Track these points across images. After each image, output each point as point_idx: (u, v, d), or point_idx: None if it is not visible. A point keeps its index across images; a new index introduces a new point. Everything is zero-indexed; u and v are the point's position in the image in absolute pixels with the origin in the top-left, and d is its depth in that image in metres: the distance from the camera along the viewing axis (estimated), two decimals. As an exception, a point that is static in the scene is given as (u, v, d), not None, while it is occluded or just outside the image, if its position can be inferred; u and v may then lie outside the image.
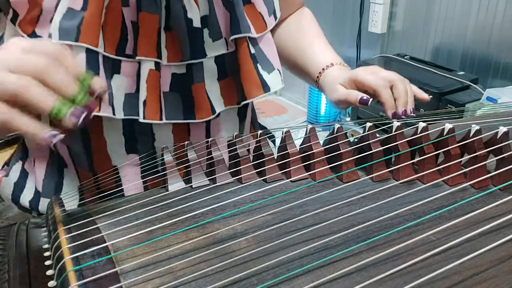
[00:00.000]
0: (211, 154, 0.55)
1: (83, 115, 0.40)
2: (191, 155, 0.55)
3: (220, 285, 0.37)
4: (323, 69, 0.75)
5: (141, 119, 0.61)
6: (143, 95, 0.60)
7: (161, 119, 0.62)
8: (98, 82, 0.43)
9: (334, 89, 0.72)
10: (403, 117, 0.66)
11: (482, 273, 0.39)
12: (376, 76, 0.68)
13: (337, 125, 0.56)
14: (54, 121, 0.40)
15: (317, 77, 0.76)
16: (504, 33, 1.66)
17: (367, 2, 2.09)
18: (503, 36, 1.66)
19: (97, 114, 0.58)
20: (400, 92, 0.67)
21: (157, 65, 0.60)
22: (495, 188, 0.52)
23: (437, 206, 0.48)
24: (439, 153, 0.54)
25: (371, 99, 0.67)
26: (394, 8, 2.04)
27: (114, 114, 0.60)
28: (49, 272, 0.41)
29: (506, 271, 0.40)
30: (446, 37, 1.87)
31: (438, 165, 0.54)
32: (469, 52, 1.79)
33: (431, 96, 0.71)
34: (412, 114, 0.67)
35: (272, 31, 0.83)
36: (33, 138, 0.39)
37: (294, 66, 0.81)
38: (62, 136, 0.39)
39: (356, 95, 0.68)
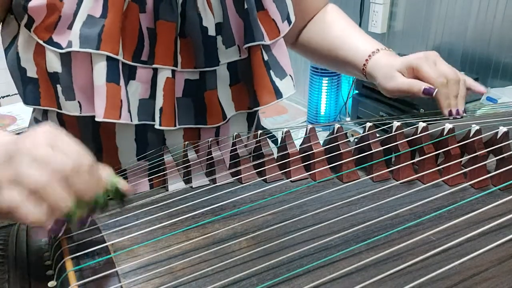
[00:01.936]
0: (211, 154, 0.55)
1: (88, 222, 0.41)
2: (191, 155, 0.55)
3: (220, 285, 0.37)
4: (369, 55, 0.73)
5: (157, 126, 0.61)
6: (159, 102, 0.60)
7: (175, 125, 0.62)
8: (125, 186, 0.43)
9: (392, 77, 0.69)
10: (457, 116, 0.65)
11: (482, 273, 0.39)
12: (435, 70, 0.66)
13: (337, 125, 0.56)
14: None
15: (364, 65, 0.73)
16: (504, 33, 1.65)
17: (367, 2, 2.08)
18: (503, 36, 1.66)
19: (116, 121, 0.57)
20: (452, 93, 0.66)
21: (173, 72, 0.60)
22: (495, 188, 0.52)
23: (437, 206, 0.48)
24: (439, 153, 0.54)
25: (436, 90, 0.65)
26: (394, 8, 2.04)
27: (131, 120, 0.60)
28: (49, 272, 0.41)
29: (506, 271, 0.40)
30: (446, 37, 1.86)
31: (438, 165, 0.54)
32: (469, 52, 1.79)
33: (488, 88, 0.70)
34: (463, 114, 0.66)
35: (299, 32, 0.82)
36: (37, 227, 0.39)
37: (331, 60, 0.80)
38: (62, 230, 0.40)
39: (420, 86, 0.66)
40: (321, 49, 0.80)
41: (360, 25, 2.14)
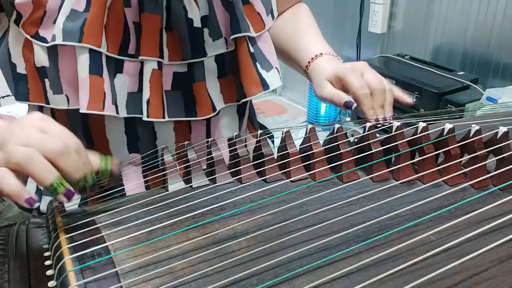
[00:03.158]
0: (211, 154, 0.55)
1: (74, 197, 0.43)
2: (191, 155, 0.55)
3: (220, 285, 0.37)
4: (312, 58, 0.74)
5: (145, 118, 0.61)
6: (146, 94, 0.61)
7: (163, 117, 0.63)
8: (114, 165, 0.47)
9: (321, 84, 0.71)
10: (383, 123, 0.66)
11: (482, 273, 0.39)
12: (360, 81, 0.67)
13: (337, 125, 0.56)
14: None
15: (306, 66, 0.75)
16: (504, 33, 1.66)
17: (367, 2, 2.08)
18: (503, 36, 1.66)
19: (101, 113, 0.58)
20: (377, 103, 0.67)
21: (159, 64, 0.61)
22: (495, 188, 0.52)
23: (437, 206, 0.48)
24: (439, 153, 0.54)
25: (354, 104, 0.67)
26: (394, 8, 2.04)
27: (117, 113, 0.60)
28: (49, 272, 0.41)
29: (506, 271, 0.40)
30: (446, 37, 1.86)
31: (438, 165, 0.54)
32: (469, 52, 1.79)
33: (415, 100, 0.71)
34: (391, 121, 0.67)
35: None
36: (14, 199, 0.41)
37: (287, 57, 0.81)
38: (39, 204, 0.42)
39: (341, 98, 0.68)
40: (281, 45, 0.81)
41: (360, 25, 2.15)
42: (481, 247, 0.38)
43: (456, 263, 0.37)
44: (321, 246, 0.42)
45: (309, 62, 0.74)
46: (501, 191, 0.52)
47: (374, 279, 0.36)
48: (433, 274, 0.36)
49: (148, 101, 0.61)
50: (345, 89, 0.69)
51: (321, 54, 0.74)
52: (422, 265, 0.39)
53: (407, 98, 0.71)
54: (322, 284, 0.37)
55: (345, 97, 0.67)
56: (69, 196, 0.42)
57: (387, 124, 0.66)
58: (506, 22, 1.64)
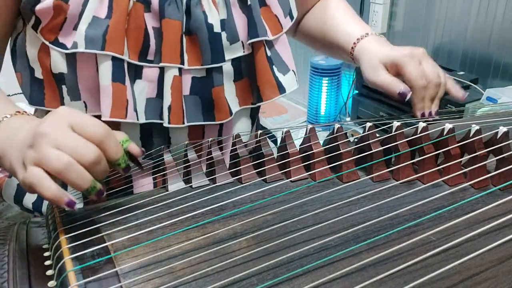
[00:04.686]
0: (211, 154, 0.55)
1: (104, 194, 0.46)
2: (191, 155, 0.55)
3: (220, 285, 0.37)
4: (357, 39, 0.72)
5: (166, 124, 0.61)
6: (167, 101, 0.60)
7: (183, 123, 0.62)
8: (136, 150, 0.49)
9: (374, 67, 0.68)
10: (429, 118, 0.65)
11: (482, 273, 0.39)
12: (418, 70, 0.65)
13: (337, 125, 0.56)
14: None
15: (352, 48, 0.73)
16: (504, 33, 1.65)
17: (367, 2, 2.08)
18: (503, 36, 1.66)
19: (123, 120, 0.58)
20: (429, 95, 0.66)
21: (180, 70, 0.60)
22: (495, 188, 0.52)
23: (437, 206, 0.48)
24: (439, 153, 0.54)
25: (409, 94, 0.65)
26: (394, 8, 2.04)
27: (137, 119, 0.60)
28: (49, 272, 0.41)
29: (506, 271, 0.40)
30: (446, 37, 1.86)
31: (438, 165, 0.54)
32: (469, 52, 1.79)
33: (467, 93, 0.68)
34: (434, 117, 0.66)
35: (298, 23, 0.83)
36: (54, 203, 0.43)
37: (324, 44, 0.80)
38: (79, 206, 0.44)
39: (396, 88, 0.65)
40: (317, 35, 0.81)
41: (360, 25, 2.15)
42: (481, 247, 0.38)
43: (456, 263, 0.37)
44: (321, 246, 0.42)
45: (354, 44, 0.72)
46: (501, 191, 0.52)
47: (374, 279, 0.36)
48: (433, 274, 0.36)
49: (169, 108, 0.61)
50: (400, 75, 0.67)
51: (366, 34, 0.72)
52: (422, 265, 0.39)
53: (459, 92, 0.69)
54: (322, 284, 0.37)
55: (401, 86, 0.65)
56: (99, 196, 0.45)
57: (431, 119, 0.65)
58: (506, 22, 1.64)
